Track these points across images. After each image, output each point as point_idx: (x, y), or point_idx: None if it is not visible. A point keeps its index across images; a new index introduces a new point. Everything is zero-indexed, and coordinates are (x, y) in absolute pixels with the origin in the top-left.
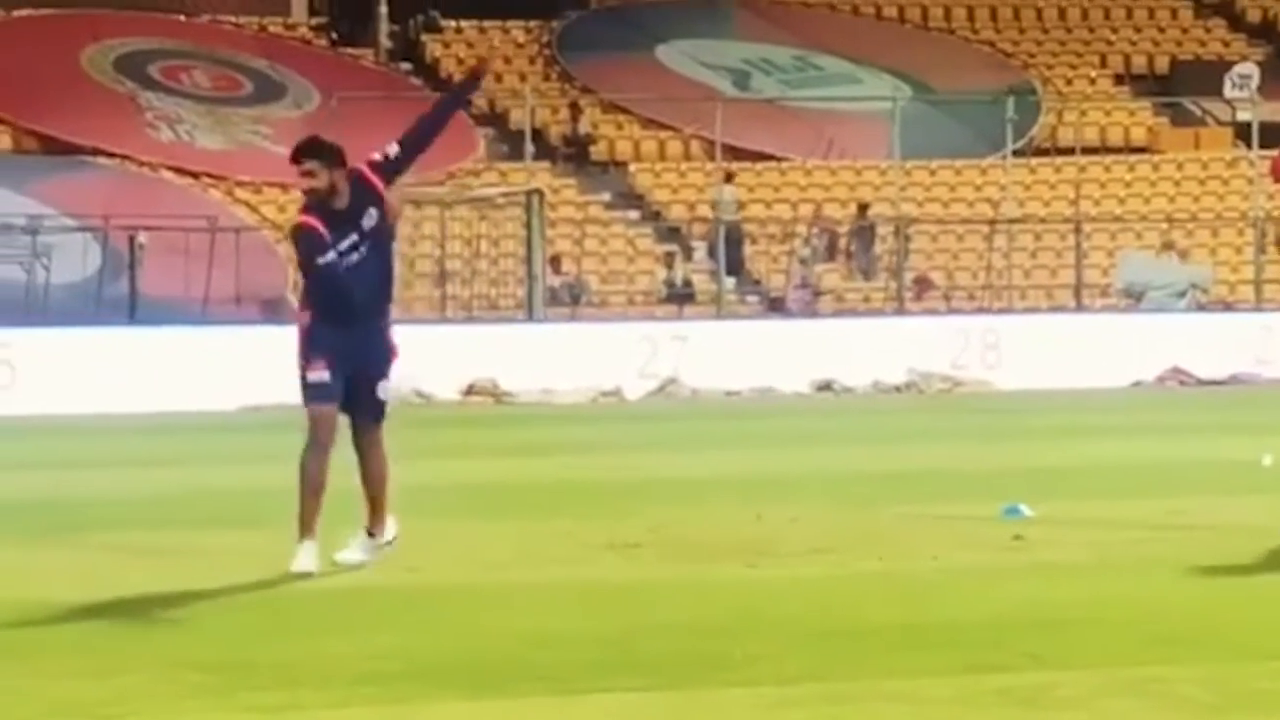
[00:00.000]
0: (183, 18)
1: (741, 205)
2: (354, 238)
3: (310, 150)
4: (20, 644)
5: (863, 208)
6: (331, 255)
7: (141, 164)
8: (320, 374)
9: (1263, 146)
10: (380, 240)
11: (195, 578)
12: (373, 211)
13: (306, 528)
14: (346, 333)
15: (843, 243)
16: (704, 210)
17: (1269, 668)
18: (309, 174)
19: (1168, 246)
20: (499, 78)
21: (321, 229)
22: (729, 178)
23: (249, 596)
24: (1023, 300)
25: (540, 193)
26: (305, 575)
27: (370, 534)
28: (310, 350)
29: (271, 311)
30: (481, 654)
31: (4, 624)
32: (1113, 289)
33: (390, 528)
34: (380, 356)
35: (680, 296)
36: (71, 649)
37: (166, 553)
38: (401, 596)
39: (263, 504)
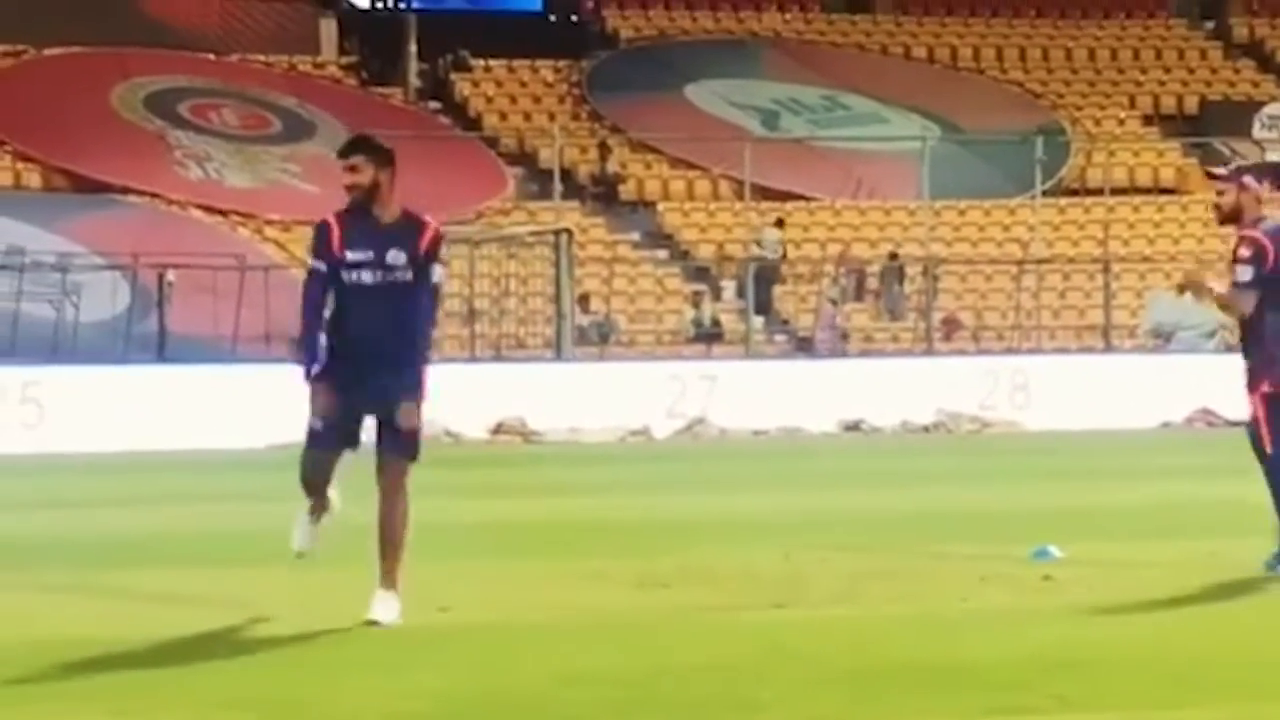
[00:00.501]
0: (212, 56)
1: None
2: (369, 254)
3: (357, 145)
4: (52, 685)
5: (893, 255)
6: (337, 257)
7: (171, 202)
8: (313, 421)
9: None
10: (399, 291)
11: (226, 615)
12: (401, 257)
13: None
14: (355, 358)
15: (871, 283)
16: (733, 249)
17: None
18: (353, 169)
19: (1183, 289)
20: (528, 117)
21: (335, 227)
22: (779, 223)
23: (280, 634)
24: (1051, 341)
25: (569, 231)
26: (302, 555)
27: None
28: (311, 384)
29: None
30: (510, 693)
31: (36, 665)
32: (1141, 329)
33: (391, 607)
34: (396, 384)
35: (708, 336)
36: (104, 690)
37: (197, 591)
38: (431, 635)
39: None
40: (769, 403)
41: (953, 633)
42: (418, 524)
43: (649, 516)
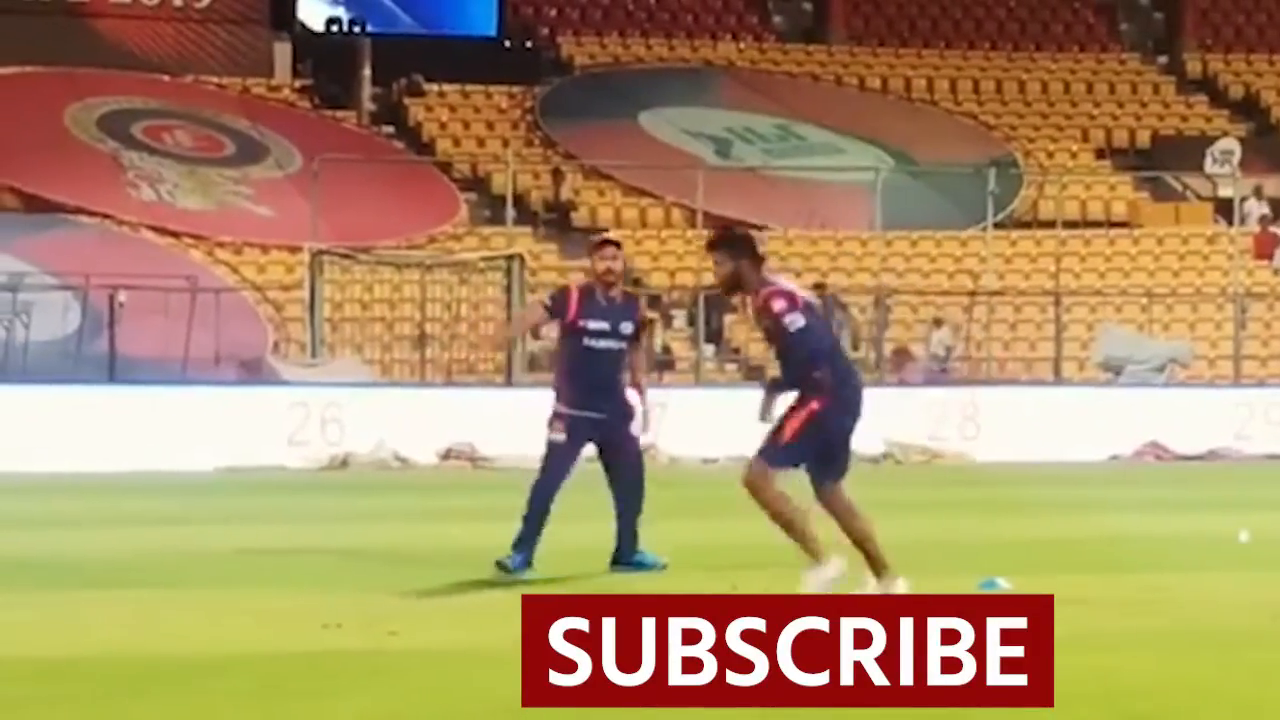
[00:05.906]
0: (166, 78)
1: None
2: None
3: (712, 243)
4: None
5: (818, 286)
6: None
7: (122, 223)
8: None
9: (1243, 222)
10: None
11: (171, 638)
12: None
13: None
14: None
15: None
16: (684, 278)
17: None
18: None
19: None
20: (481, 142)
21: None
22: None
23: (226, 658)
24: (1001, 372)
25: (521, 258)
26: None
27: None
28: None
29: (250, 372)
30: (458, 718)
31: None
32: (1091, 362)
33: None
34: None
35: (659, 364)
36: (43, 711)
37: (142, 613)
38: (379, 659)
39: (238, 565)
40: (719, 431)
41: None
42: (366, 549)
43: (596, 544)
